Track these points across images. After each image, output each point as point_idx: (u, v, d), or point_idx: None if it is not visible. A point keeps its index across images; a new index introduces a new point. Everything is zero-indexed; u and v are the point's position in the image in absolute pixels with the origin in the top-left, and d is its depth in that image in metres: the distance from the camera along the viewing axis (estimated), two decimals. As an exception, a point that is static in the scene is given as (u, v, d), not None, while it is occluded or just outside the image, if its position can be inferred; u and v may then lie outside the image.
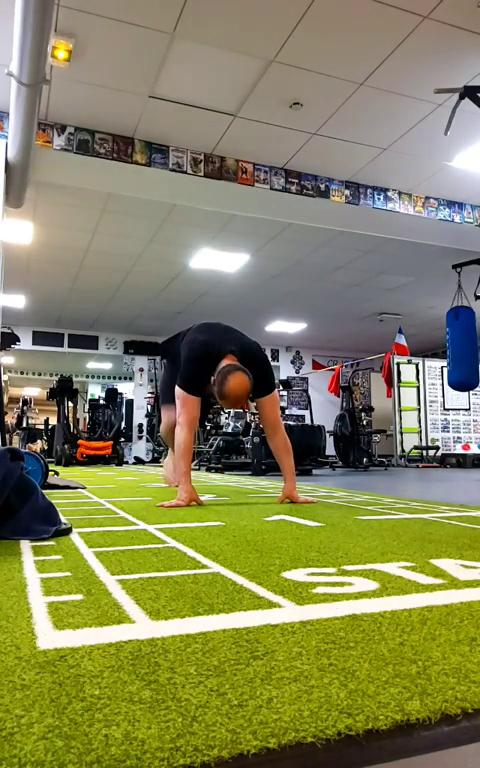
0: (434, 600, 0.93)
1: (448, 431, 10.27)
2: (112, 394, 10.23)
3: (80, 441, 9.03)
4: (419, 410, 10.10)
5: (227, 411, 8.97)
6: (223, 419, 9.17)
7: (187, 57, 4.14)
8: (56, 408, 9.82)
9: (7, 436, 4.63)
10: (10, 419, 12.65)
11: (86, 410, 11.51)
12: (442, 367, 9.79)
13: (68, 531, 1.64)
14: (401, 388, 10.01)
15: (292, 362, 13.36)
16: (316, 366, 13.39)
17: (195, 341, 2.70)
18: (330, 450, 7.61)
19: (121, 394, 10.73)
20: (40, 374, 13.77)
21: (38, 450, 11.10)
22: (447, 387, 7.12)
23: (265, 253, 7.27)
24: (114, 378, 13.46)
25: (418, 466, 8.98)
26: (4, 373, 11.23)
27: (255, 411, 6.80)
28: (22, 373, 13.69)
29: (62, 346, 11.41)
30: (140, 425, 11.94)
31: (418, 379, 10.19)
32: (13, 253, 6.83)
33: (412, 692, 0.59)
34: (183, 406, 2.64)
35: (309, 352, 13.51)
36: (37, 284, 8.55)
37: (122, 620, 0.83)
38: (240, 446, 7.55)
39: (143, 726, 0.52)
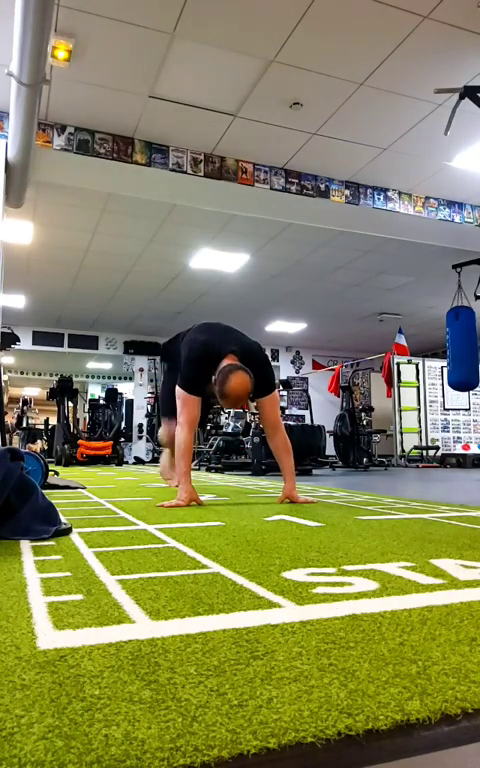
0: (434, 600, 0.93)
1: (448, 431, 10.27)
2: (112, 394, 10.23)
3: (80, 441, 9.02)
4: (419, 410, 10.10)
5: (227, 411, 8.96)
6: (223, 419, 9.16)
7: (187, 57, 4.14)
8: (56, 408, 9.82)
9: (7, 436, 4.63)
10: (10, 419, 12.65)
11: (86, 410, 11.51)
12: (442, 367, 9.79)
13: (68, 531, 1.64)
14: (401, 388, 10.00)
15: (292, 362, 13.35)
16: (316, 366, 13.38)
17: (195, 341, 2.70)
18: (330, 450, 7.60)
19: (121, 394, 10.73)
20: (40, 374, 13.77)
21: (38, 450, 11.10)
22: (447, 387, 7.13)
23: (265, 253, 7.27)
24: (114, 378, 13.46)
25: (418, 466, 8.97)
26: (4, 373, 11.23)
27: (255, 411, 6.80)
28: (22, 373, 13.68)
29: (62, 346, 11.41)
30: (140, 425, 11.94)
31: (418, 379, 10.18)
32: (13, 253, 6.83)
33: (412, 692, 0.59)
34: (183, 406, 2.64)
35: (309, 352, 13.50)
36: (37, 284, 8.55)
37: (122, 620, 0.83)
38: (240, 446, 7.54)
39: (143, 726, 0.52)
